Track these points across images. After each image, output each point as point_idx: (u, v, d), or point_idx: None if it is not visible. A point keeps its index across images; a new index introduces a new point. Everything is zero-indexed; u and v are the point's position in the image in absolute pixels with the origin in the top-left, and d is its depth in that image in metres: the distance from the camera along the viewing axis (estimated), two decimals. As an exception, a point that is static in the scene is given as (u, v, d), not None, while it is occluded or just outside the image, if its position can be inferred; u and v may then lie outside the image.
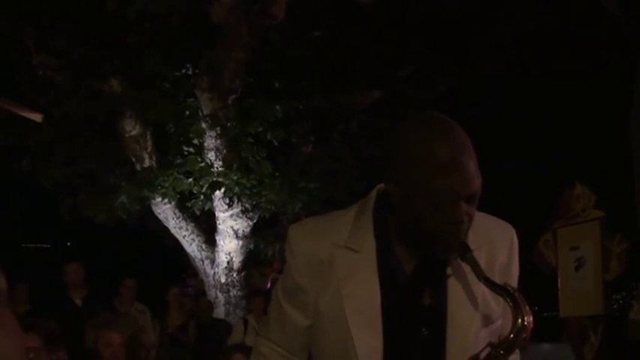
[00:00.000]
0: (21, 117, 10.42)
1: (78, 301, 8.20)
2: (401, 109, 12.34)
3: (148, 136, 11.39)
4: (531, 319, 2.04)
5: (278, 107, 11.21)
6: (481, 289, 2.13)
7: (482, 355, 2.06)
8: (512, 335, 2.04)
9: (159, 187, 11.09)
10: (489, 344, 2.06)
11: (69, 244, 19.42)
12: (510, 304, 2.04)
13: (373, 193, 2.22)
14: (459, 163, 1.99)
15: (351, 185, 11.72)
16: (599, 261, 6.58)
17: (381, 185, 2.20)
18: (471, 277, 2.11)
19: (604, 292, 6.62)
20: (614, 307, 8.88)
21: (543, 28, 11.59)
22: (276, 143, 11.43)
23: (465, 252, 2.06)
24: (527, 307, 2.04)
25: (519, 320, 2.02)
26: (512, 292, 2.04)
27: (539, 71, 12.81)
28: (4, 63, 11.38)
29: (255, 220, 11.46)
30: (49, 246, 21.14)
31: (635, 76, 7.18)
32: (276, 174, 11.30)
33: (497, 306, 2.17)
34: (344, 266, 2.14)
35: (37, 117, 10.20)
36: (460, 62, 12.11)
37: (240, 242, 11.41)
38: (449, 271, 2.14)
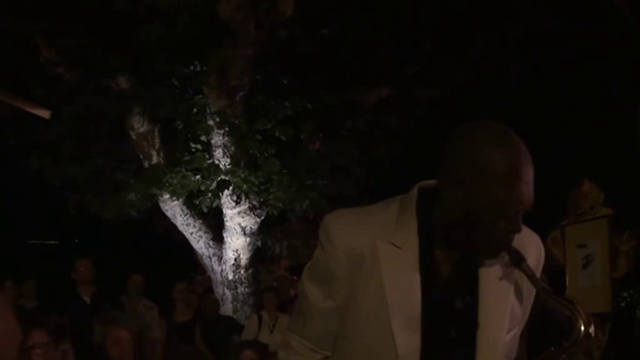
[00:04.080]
0: (29, 114, 10.45)
1: (86, 298, 8.19)
2: (409, 107, 12.35)
3: (156, 134, 11.39)
4: (593, 328, 2.09)
5: (287, 104, 11.21)
6: (511, 295, 2.16)
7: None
8: (572, 343, 2.09)
9: (167, 185, 11.09)
10: (550, 350, 2.11)
11: (77, 240, 19.45)
12: (570, 313, 2.08)
13: (415, 191, 2.20)
14: (525, 174, 2.05)
15: (359, 182, 11.73)
16: (607, 259, 6.59)
17: (423, 183, 2.20)
18: (503, 279, 2.15)
19: (612, 289, 6.62)
20: (622, 305, 8.87)
21: (550, 24, 11.56)
22: (284, 139, 11.42)
23: (519, 260, 2.09)
24: (585, 316, 2.09)
25: (583, 328, 2.07)
26: (574, 302, 2.09)
27: (545, 68, 12.80)
28: (13, 60, 11.39)
29: (262, 218, 11.46)
30: (56, 242, 21.17)
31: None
32: (284, 171, 11.30)
33: (521, 312, 2.20)
34: (388, 262, 2.13)
35: (44, 114, 10.22)
36: (468, 60, 12.10)
37: (248, 239, 11.42)
38: (481, 275, 2.16)
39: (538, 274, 2.21)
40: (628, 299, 10.92)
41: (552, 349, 2.10)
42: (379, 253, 2.13)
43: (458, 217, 2.07)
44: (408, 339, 2.11)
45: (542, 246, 2.28)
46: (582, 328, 2.05)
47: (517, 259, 2.08)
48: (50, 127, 11.31)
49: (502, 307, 2.15)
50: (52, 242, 21.15)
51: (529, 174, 2.06)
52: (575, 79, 13.13)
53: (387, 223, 2.16)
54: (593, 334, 2.06)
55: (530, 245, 2.23)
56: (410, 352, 2.11)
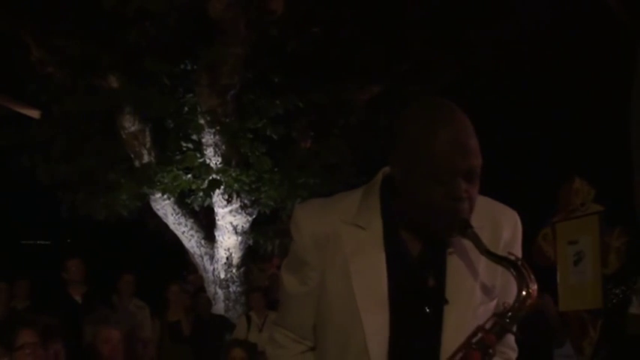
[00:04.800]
0: (19, 114, 10.42)
1: (77, 298, 8.18)
2: (400, 104, 12.34)
3: (147, 133, 11.38)
4: (536, 286, 2.06)
5: (278, 102, 11.21)
6: (481, 268, 2.17)
7: (488, 325, 2.09)
8: (517, 304, 2.06)
9: (158, 184, 11.08)
10: (494, 314, 2.10)
11: (68, 240, 19.40)
12: (514, 273, 2.07)
13: (379, 176, 2.25)
14: (458, 139, 2.05)
15: (350, 180, 11.72)
16: (597, 255, 6.61)
17: (386, 168, 2.23)
18: (471, 256, 2.15)
19: (603, 286, 6.64)
20: (614, 301, 8.88)
21: (543, 23, 11.59)
22: (275, 138, 11.42)
23: (465, 228, 2.09)
24: (532, 276, 2.06)
25: (524, 289, 2.05)
26: (515, 261, 2.07)
27: (537, 67, 12.82)
28: (2, 59, 11.35)
29: (254, 216, 11.46)
30: (48, 243, 21.11)
31: (633, 71, 7.18)
32: (276, 170, 11.30)
33: (496, 283, 2.19)
34: (351, 242, 2.17)
35: (34, 114, 10.20)
36: (459, 57, 12.11)
37: (240, 238, 11.41)
38: (449, 250, 2.17)
39: (515, 248, 2.22)
40: (620, 296, 10.93)
41: (501, 309, 2.10)
42: (343, 235, 2.18)
43: (407, 191, 2.11)
44: (374, 317, 2.13)
45: (518, 220, 2.27)
46: (523, 289, 2.05)
47: (462, 227, 2.08)
48: (41, 127, 11.28)
49: (469, 283, 2.16)
50: (44, 242, 21.09)
51: (465, 141, 2.06)
52: (565, 77, 13.15)
53: (350, 207, 2.21)
54: (533, 293, 2.05)
55: (505, 221, 2.24)
56: (377, 330, 2.13)
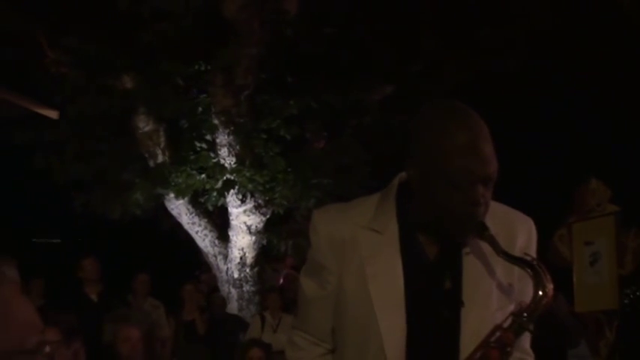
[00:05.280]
0: (34, 114, 10.45)
1: (93, 296, 8.22)
2: (413, 104, 12.34)
3: (161, 133, 11.41)
4: (552, 286, 2.11)
5: (292, 103, 11.23)
6: (497, 270, 2.20)
7: (506, 323, 2.12)
8: (533, 303, 2.10)
9: (172, 184, 11.11)
10: (512, 313, 2.13)
11: (80, 239, 19.46)
12: (530, 273, 2.11)
13: (395, 181, 2.29)
14: (476, 146, 2.08)
15: (363, 181, 11.73)
16: (614, 256, 6.59)
17: (403, 174, 2.27)
18: (488, 258, 2.19)
19: (619, 287, 6.63)
20: (626, 301, 8.87)
21: (555, 23, 11.56)
22: (289, 138, 11.43)
23: (482, 230, 2.12)
24: (548, 276, 2.11)
25: (540, 288, 2.09)
26: (531, 261, 2.11)
27: (551, 67, 12.81)
28: (18, 60, 11.40)
29: (268, 216, 11.48)
30: (61, 241, 21.17)
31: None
32: (289, 170, 11.31)
33: (514, 285, 2.22)
34: (368, 246, 2.21)
35: (52, 114, 10.23)
36: (473, 58, 12.10)
37: (253, 238, 11.43)
38: (465, 253, 2.20)
39: (531, 249, 2.25)
40: (631, 296, 10.93)
41: (518, 308, 2.13)
42: (359, 239, 2.22)
43: (424, 195, 2.15)
44: (391, 320, 2.16)
45: (533, 228, 2.31)
46: (540, 289, 2.09)
47: (479, 229, 2.12)
48: (56, 127, 11.32)
49: (487, 284, 2.19)
50: (57, 241, 21.15)
51: (482, 147, 2.09)
52: (580, 77, 13.13)
53: (367, 211, 2.26)
54: (549, 292, 2.08)
55: (520, 226, 2.28)
56: (394, 332, 2.16)
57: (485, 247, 2.15)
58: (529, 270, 2.10)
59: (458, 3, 11.71)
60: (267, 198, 11.31)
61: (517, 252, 2.19)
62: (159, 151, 11.39)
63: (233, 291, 11.42)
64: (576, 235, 6.84)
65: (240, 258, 11.43)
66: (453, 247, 2.20)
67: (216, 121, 11.15)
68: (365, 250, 2.20)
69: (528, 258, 2.12)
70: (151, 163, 11.39)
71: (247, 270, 11.46)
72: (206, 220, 11.57)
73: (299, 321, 2.40)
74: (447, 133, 2.08)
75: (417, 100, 12.19)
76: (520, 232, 2.26)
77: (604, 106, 13.36)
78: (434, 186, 2.11)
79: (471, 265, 2.19)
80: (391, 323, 2.16)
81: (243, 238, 11.38)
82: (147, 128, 11.35)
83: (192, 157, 11.37)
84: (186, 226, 11.63)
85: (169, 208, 11.60)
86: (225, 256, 11.52)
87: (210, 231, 11.56)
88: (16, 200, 16.77)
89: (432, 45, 11.95)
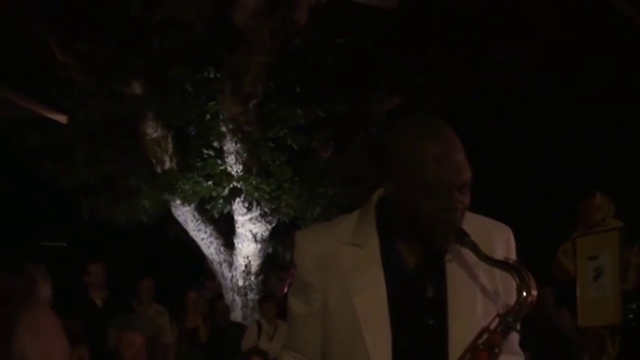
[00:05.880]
0: (43, 118, 10.49)
1: (98, 302, 8.24)
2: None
3: (169, 139, 11.44)
4: (535, 286, 2.14)
5: (299, 112, 11.26)
6: (481, 277, 2.23)
7: (493, 325, 2.15)
8: (518, 304, 2.14)
9: (179, 190, 11.14)
10: (498, 314, 2.16)
11: (87, 243, 19.48)
12: (514, 275, 2.14)
13: (375, 196, 2.33)
14: (449, 155, 2.14)
15: (369, 191, 11.69)
16: (617, 271, 6.60)
17: (381, 190, 2.31)
18: (470, 264, 2.21)
19: (622, 302, 6.64)
20: (629, 316, 8.86)
21: (562, 36, 11.58)
22: (296, 148, 11.46)
23: (462, 236, 2.16)
24: (531, 276, 2.14)
25: (524, 289, 2.13)
26: (513, 264, 2.15)
27: (557, 82, 12.81)
28: (28, 63, 11.45)
29: (273, 224, 11.50)
30: (66, 245, 21.18)
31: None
32: (296, 179, 11.34)
33: (498, 290, 2.24)
34: (350, 261, 2.24)
35: (61, 118, 10.26)
36: (481, 70, 12.13)
37: (259, 246, 11.45)
38: (447, 260, 2.23)
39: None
40: (635, 310, 10.92)
41: (500, 312, 2.16)
42: (341, 255, 2.25)
43: (402, 206, 2.19)
44: (377, 333, 2.18)
45: (511, 236, 2.33)
46: (524, 291, 2.12)
47: (459, 236, 2.15)
48: (64, 131, 11.36)
49: (470, 291, 2.22)
50: (62, 244, 21.18)
51: (455, 156, 2.14)
52: (585, 91, 13.14)
53: (348, 227, 2.30)
54: (534, 294, 2.11)
55: (497, 235, 2.30)
56: (380, 345, 2.18)
57: (467, 253, 2.18)
58: (512, 272, 2.14)
59: (467, 16, 11.74)
60: (273, 206, 11.33)
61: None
62: (166, 158, 11.42)
63: (237, 299, 11.43)
64: (580, 249, 6.86)
65: (245, 266, 11.44)
66: (434, 256, 2.23)
67: (224, 129, 11.18)
68: (347, 265, 2.23)
69: (510, 261, 2.16)
70: (159, 170, 11.42)
71: (252, 278, 11.48)
72: (212, 227, 11.59)
73: (288, 341, 2.43)
74: (421, 144, 2.14)
75: (425, 111, 12.23)
76: (498, 240, 2.28)
77: (609, 122, 13.36)
78: (411, 196, 2.15)
79: (454, 272, 2.22)
80: (376, 336, 2.18)
81: (248, 246, 11.41)
82: (155, 134, 11.38)
83: (199, 164, 11.40)
84: (192, 233, 11.65)
85: (175, 215, 11.63)
86: (230, 264, 11.53)
87: (216, 238, 11.58)
88: (26, 204, 16.82)
89: (441, 57, 11.98)
